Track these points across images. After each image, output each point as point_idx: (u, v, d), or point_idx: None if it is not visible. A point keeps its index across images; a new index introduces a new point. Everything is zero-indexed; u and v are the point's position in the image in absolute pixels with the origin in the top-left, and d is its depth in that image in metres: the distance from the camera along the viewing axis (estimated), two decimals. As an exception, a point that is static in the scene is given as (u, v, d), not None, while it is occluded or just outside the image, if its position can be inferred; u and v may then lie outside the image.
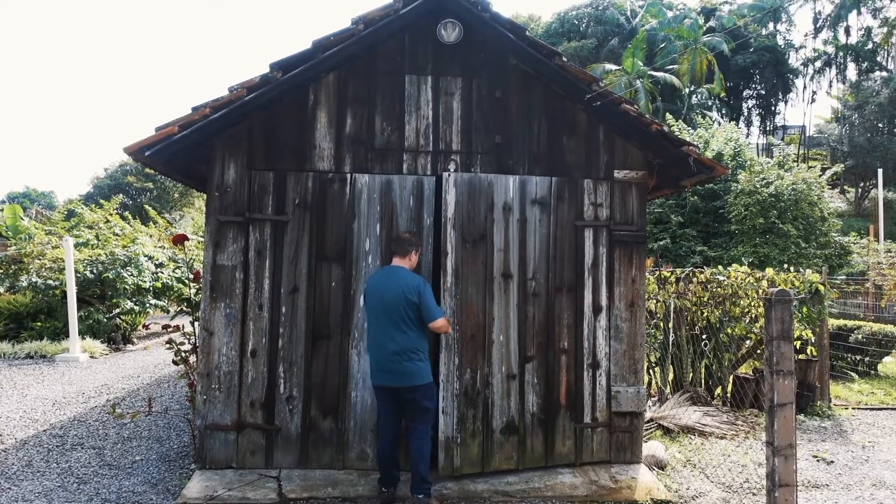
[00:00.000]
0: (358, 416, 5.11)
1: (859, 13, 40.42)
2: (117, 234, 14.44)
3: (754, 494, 4.87)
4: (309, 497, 4.59)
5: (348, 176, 5.20)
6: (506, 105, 5.38)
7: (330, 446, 5.11)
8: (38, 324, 12.03)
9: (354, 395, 5.12)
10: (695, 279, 7.83)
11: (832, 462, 5.76)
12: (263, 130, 5.19)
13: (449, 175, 5.06)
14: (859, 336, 10.20)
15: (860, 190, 35.11)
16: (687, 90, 33.53)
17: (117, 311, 12.40)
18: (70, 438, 6.16)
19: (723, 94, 35.78)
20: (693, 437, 6.42)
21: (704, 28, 35.04)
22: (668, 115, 20.53)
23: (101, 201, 16.57)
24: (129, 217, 16.62)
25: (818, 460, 5.80)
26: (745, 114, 44.84)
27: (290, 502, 4.52)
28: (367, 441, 5.08)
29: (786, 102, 45.71)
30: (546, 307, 5.28)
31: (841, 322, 10.98)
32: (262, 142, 5.19)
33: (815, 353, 7.94)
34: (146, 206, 20.99)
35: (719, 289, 7.65)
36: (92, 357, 11.12)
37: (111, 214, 15.26)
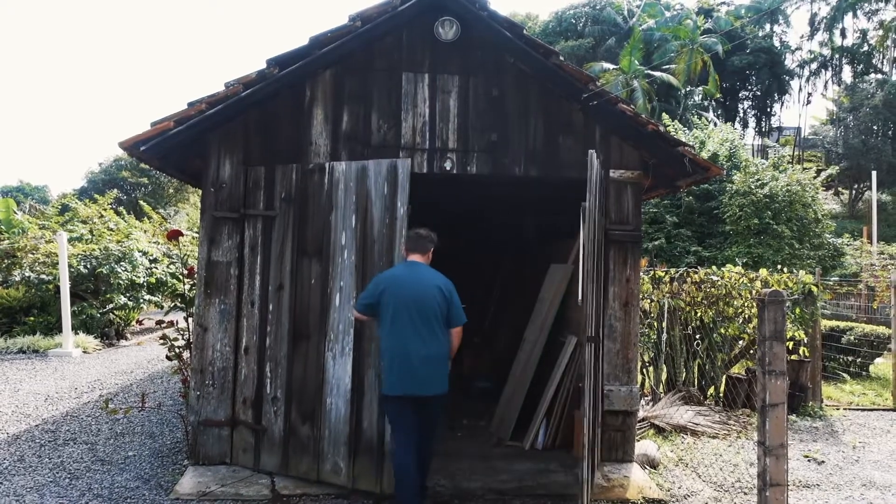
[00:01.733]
0: (332, 426, 4.77)
1: (855, 16, 40.56)
2: (111, 229, 14.40)
3: (745, 493, 4.89)
4: (302, 493, 4.60)
5: (327, 165, 4.99)
6: (502, 104, 5.38)
7: (307, 454, 4.82)
8: (31, 318, 11.98)
9: (329, 402, 4.79)
10: (689, 279, 7.86)
11: (823, 462, 5.79)
12: (259, 126, 5.17)
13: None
14: (851, 337, 10.26)
15: (854, 192, 35.27)
16: (683, 90, 33.60)
17: (111, 306, 12.36)
18: (62, 434, 6.14)
19: (717, 95, 35.87)
20: (685, 436, 6.45)
21: (702, 29, 35.11)
22: (665, 115, 20.58)
23: (96, 196, 16.52)
24: (124, 212, 16.54)
25: (809, 460, 5.84)
26: (741, 115, 44.93)
27: (283, 498, 4.52)
28: (341, 454, 4.70)
29: (781, 104, 45.84)
30: (595, 307, 4.98)
31: (833, 323, 11.05)
32: (258, 138, 5.18)
33: (807, 354, 7.98)
34: (141, 202, 20.90)
35: (713, 289, 7.69)
36: (85, 352, 11.08)
37: (105, 209, 15.21)
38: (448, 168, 5.32)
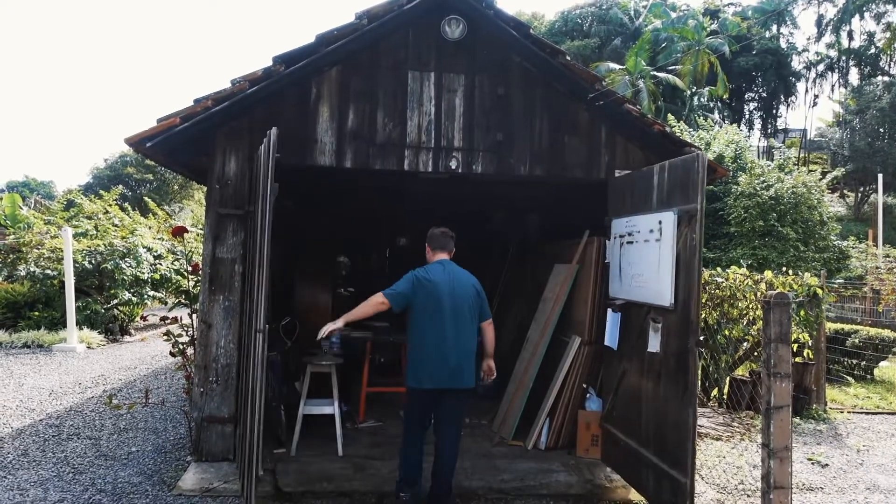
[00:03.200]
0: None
1: (862, 18, 40.33)
2: (116, 225, 14.42)
3: (749, 496, 4.88)
4: (304, 491, 4.60)
5: (261, 148, 4.47)
6: (508, 103, 5.38)
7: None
8: (36, 313, 12.01)
9: (247, 409, 4.38)
10: (693, 280, 7.82)
11: (827, 465, 5.77)
12: (265, 123, 5.15)
13: None
14: (856, 340, 10.22)
15: (860, 194, 35.13)
16: (689, 91, 33.49)
17: (115, 301, 12.39)
18: (66, 428, 6.16)
19: (725, 96, 35.72)
20: (689, 437, 6.42)
21: (708, 30, 34.99)
22: (670, 116, 20.52)
23: (101, 192, 16.54)
24: (129, 208, 16.58)
25: (813, 463, 5.82)
26: (747, 116, 44.77)
27: (285, 496, 4.52)
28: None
29: (787, 105, 45.62)
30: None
31: (838, 326, 10.99)
32: (264, 135, 5.17)
33: (811, 357, 7.95)
34: (146, 198, 20.93)
35: (717, 290, 7.65)
36: (89, 347, 11.11)
37: (110, 205, 15.23)
38: (453, 167, 5.32)
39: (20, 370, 8.94)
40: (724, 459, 5.79)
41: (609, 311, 5.34)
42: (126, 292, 12.43)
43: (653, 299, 4.58)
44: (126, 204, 17.68)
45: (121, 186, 19.15)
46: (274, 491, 4.58)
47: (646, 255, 4.72)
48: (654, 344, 4.54)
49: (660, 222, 4.54)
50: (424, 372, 4.19)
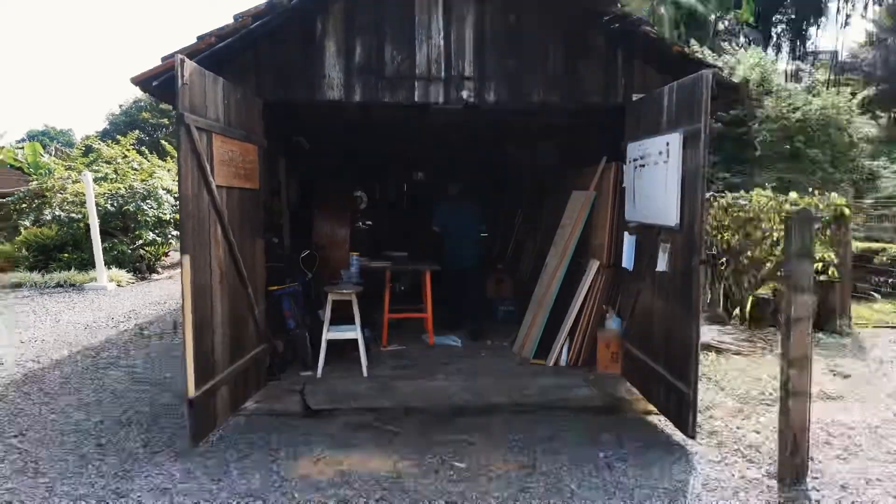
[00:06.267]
0: None
1: (901, -74, 37.83)
2: (135, 169, 14.54)
3: (768, 405, 4.94)
4: (333, 408, 4.77)
5: None
6: (519, 29, 5.22)
7: None
8: (66, 255, 12.34)
9: None
10: (716, 203, 7.74)
11: (849, 376, 5.80)
12: (271, 59, 5.10)
13: None
14: (884, 258, 10.10)
15: (894, 114, 33.86)
16: (713, 17, 32.02)
17: (140, 242, 12.67)
18: (103, 358, 6.41)
19: (751, 19, 34.15)
20: (709, 353, 6.48)
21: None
22: (693, 41, 19.72)
23: (119, 137, 16.57)
24: (146, 152, 16.63)
25: (835, 375, 5.85)
26: (774, 39, 42.90)
27: (314, 413, 4.69)
28: None
29: (818, 27, 43.48)
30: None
31: (866, 245, 10.85)
32: (270, 71, 5.11)
33: (837, 276, 7.86)
34: (163, 141, 20.93)
35: (741, 213, 7.57)
36: (119, 285, 11.44)
37: (128, 150, 15.31)
38: (465, 97, 5.23)
39: (55, 307, 9.25)
40: (744, 372, 5.85)
41: (626, 234, 5.33)
42: (150, 233, 12.68)
43: (662, 220, 4.57)
44: (143, 148, 17.69)
45: (137, 131, 19.12)
46: (303, 410, 4.75)
47: (656, 178, 4.67)
48: (661, 263, 4.57)
49: (667, 144, 4.47)
50: (451, 258, 7.24)
